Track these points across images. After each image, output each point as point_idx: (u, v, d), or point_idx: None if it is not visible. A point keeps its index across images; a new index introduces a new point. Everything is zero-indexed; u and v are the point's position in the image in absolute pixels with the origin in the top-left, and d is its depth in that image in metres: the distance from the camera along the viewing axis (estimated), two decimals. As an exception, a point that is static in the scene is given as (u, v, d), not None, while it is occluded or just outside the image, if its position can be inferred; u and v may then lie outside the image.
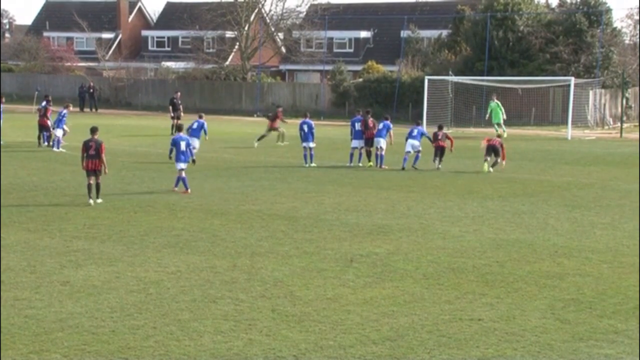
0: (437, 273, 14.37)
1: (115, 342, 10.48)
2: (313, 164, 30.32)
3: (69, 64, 77.79)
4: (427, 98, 50.83)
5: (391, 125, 31.83)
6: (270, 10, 75.40)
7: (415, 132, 31.50)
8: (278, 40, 77.86)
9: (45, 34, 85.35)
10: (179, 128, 25.11)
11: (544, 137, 46.93)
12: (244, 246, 16.39)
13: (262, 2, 72.65)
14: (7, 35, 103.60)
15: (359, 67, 67.21)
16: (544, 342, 10.74)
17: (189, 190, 23.19)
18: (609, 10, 57.86)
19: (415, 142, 31.17)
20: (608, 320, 11.72)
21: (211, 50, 74.13)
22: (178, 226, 18.33)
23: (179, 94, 46.37)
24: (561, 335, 11.03)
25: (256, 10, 72.78)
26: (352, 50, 75.32)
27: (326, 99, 62.20)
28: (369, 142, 31.21)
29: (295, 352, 10.26)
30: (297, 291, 13.07)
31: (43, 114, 35.37)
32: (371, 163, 30.96)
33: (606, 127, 53.08)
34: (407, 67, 61.90)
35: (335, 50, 74.03)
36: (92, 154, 21.16)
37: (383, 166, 30.60)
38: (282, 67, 77.41)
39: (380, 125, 31.45)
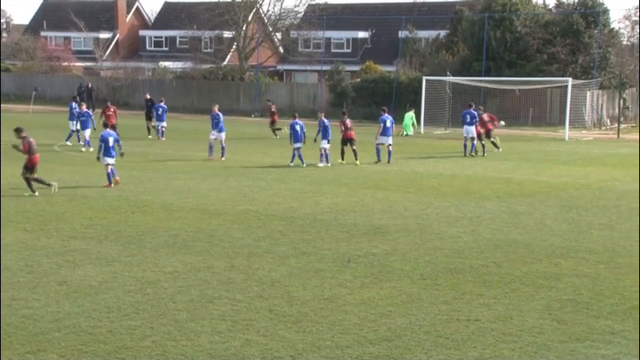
0: (434, 273, 14.38)
1: (113, 342, 10.47)
2: (304, 165, 30.26)
3: (66, 63, 77.73)
4: (425, 98, 50.86)
5: (476, 114, 34.16)
6: (268, 10, 75.48)
7: (469, 118, 33.13)
8: (276, 40, 77.87)
9: (43, 33, 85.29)
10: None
11: (542, 137, 46.96)
12: (241, 246, 16.39)
13: (260, 2, 72.66)
14: (4, 34, 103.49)
15: (357, 68, 67.21)
16: (541, 343, 10.75)
17: (118, 178, 24.45)
18: (606, 11, 57.90)
19: (472, 128, 32.49)
20: (605, 320, 11.73)
21: (209, 50, 74.12)
22: (175, 226, 18.32)
23: (148, 95, 46.97)
24: (558, 336, 11.04)
25: (254, 10, 72.78)
26: (350, 51, 75.34)
27: (324, 99, 62.17)
28: (345, 141, 31.71)
29: (293, 353, 10.26)
30: (295, 291, 13.07)
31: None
32: (358, 162, 31.21)
33: (603, 128, 53.12)
34: (405, 67, 61.92)
35: (333, 50, 74.06)
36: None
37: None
38: (280, 67, 77.41)
39: (468, 118, 34.03)
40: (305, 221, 19.25)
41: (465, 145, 34.91)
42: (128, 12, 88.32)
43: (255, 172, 28.81)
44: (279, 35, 77.06)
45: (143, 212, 20.13)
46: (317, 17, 70.10)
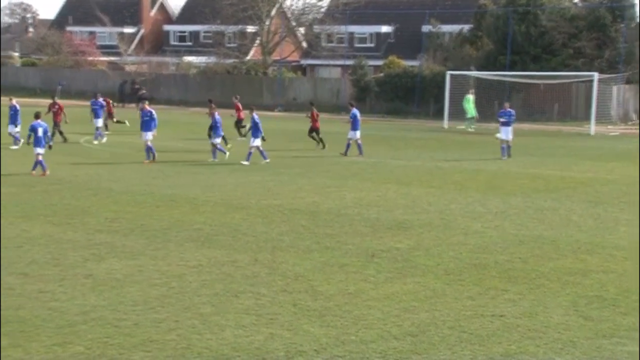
0: (458, 269, 14.34)
1: (138, 335, 10.53)
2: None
3: (91, 58, 78.12)
4: (449, 93, 50.69)
5: (513, 113, 32.72)
6: (291, 5, 75.44)
7: (505, 118, 32.12)
8: (299, 35, 77.86)
9: (68, 28, 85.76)
10: (37, 115, 26.58)
11: (567, 132, 46.69)
12: (265, 240, 16.42)
13: (284, -3, 72.71)
14: (30, 29, 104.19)
15: (380, 62, 67.06)
16: (566, 339, 10.70)
17: (48, 172, 24.88)
18: (633, 5, 57.43)
19: (509, 129, 31.77)
20: (631, 317, 11.65)
21: (232, 45, 74.23)
22: (199, 220, 18.38)
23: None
24: (584, 332, 10.98)
25: (277, 5, 72.81)
26: (373, 45, 75.16)
27: (347, 94, 62.10)
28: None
29: (317, 347, 10.27)
30: (318, 286, 13.08)
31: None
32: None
33: (630, 123, 52.72)
34: (428, 62, 61.73)
35: (356, 45, 73.91)
36: None
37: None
38: (303, 61, 77.38)
39: (505, 118, 32.25)
40: (329, 216, 19.25)
41: (502, 148, 32.24)
42: (152, 7, 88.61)
43: (279, 166, 28.84)
44: (302, 30, 77.01)
45: (168, 206, 20.21)
46: (340, 12, 70.02)
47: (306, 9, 73.93)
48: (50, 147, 26.41)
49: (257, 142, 29.40)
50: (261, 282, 13.22)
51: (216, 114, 30.30)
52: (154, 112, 29.69)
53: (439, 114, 52.66)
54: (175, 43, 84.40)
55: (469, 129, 46.26)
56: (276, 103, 63.62)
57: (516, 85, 53.28)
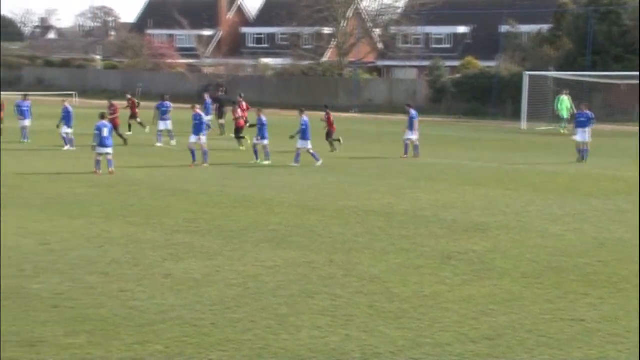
0: (536, 272, 14.13)
1: (216, 335, 10.63)
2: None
3: (170, 60, 79.34)
4: (527, 94, 50.00)
5: (591, 115, 31.56)
6: (367, 6, 75.39)
7: (583, 120, 30.89)
8: (375, 36, 77.77)
9: (148, 31, 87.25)
10: (102, 116, 27.12)
11: (649, 133, 45.59)
12: (341, 242, 16.42)
13: (360, -2, 72.73)
14: (111, 33, 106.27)
15: (456, 63, 66.55)
16: (648, 345, 10.44)
17: (114, 170, 25.52)
18: None
19: (586, 131, 30.76)
20: None
21: (308, 46, 74.54)
22: (275, 221, 18.49)
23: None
24: (667, 338, 10.70)
25: (353, 7, 72.85)
26: (450, 46, 74.64)
27: (423, 95, 61.82)
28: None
29: (393, 349, 10.23)
30: (394, 288, 13.03)
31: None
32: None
33: None
34: (506, 62, 61.01)
35: (432, 45, 73.50)
36: None
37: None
38: (379, 63, 77.27)
39: (583, 120, 31.27)
40: (404, 217, 19.17)
41: (579, 151, 31.34)
42: (229, 10, 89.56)
43: (354, 167, 28.85)
44: (378, 31, 76.91)
45: (244, 207, 20.38)
46: (417, 13, 69.70)
47: (382, 10, 73.82)
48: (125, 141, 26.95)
49: (308, 144, 29.02)
50: (337, 284, 13.22)
51: (263, 116, 30.10)
52: (203, 116, 29.46)
53: (516, 115, 52.01)
54: (252, 45, 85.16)
55: (562, 131, 45.17)
56: (352, 104, 63.65)
57: (596, 86, 52.27)
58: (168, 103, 36.26)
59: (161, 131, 35.36)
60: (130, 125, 39.54)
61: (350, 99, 64.89)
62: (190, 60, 79.90)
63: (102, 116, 27.14)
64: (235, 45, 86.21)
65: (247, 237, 16.79)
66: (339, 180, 25.39)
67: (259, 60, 75.85)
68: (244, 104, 37.44)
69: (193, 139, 28.53)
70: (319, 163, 28.82)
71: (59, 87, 69.80)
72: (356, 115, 60.22)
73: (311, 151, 29.09)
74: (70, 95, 62.23)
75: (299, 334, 10.72)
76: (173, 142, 35.19)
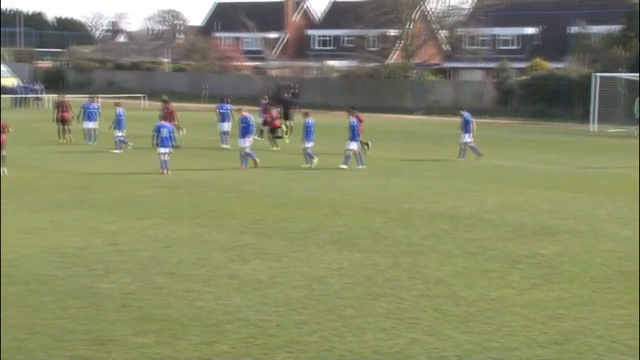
0: (607, 276, 13.88)
1: (281, 336, 10.68)
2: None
3: (236, 63, 79.98)
4: (596, 96, 49.17)
5: None
6: (434, 8, 75.03)
7: None
8: (441, 37, 77.36)
9: (215, 34, 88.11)
10: (166, 117, 27.84)
11: None
12: (406, 244, 16.36)
13: (426, 0, 72.39)
14: (179, 36, 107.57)
15: (524, 65, 65.77)
16: None
17: (169, 172, 25.73)
18: None
19: None
20: None
21: (374, 48, 74.46)
22: (340, 223, 18.49)
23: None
24: None
25: (419, 8, 72.58)
26: (517, 47, 73.84)
27: (489, 96, 61.25)
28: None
29: (459, 353, 10.15)
30: (460, 291, 12.93)
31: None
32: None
33: None
34: (575, 63, 60.09)
35: (499, 47, 72.79)
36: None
37: None
38: (446, 64, 76.80)
39: None
40: (470, 220, 19.01)
41: None
42: (295, 12, 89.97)
43: (419, 170, 28.71)
44: (444, 32, 76.49)
45: (309, 208, 20.43)
46: (483, 14, 69.09)
47: (448, 11, 73.39)
48: (177, 146, 27.15)
49: (354, 145, 28.74)
50: (402, 286, 13.17)
51: (309, 119, 30.04)
52: (251, 118, 29.31)
53: (585, 117, 51.18)
54: (318, 47, 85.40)
55: (636, 133, 44.05)
56: (417, 106, 63.39)
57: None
58: (228, 105, 36.45)
59: (224, 132, 35.55)
60: (63, 131, 38.95)
61: (415, 101, 64.61)
62: (256, 63, 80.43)
63: (164, 117, 27.58)
64: (300, 48, 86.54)
65: (312, 238, 16.83)
66: (404, 183, 25.29)
67: (324, 62, 75.99)
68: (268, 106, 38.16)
69: (242, 142, 28.38)
70: (345, 166, 28.46)
71: (128, 90, 70.84)
72: (421, 117, 59.94)
73: (356, 152, 28.99)
74: (139, 98, 63.21)
75: (364, 336, 10.70)
76: (228, 145, 35.16)
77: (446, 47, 77.05)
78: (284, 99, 45.70)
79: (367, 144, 32.52)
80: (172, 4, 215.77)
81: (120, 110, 33.71)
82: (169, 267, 14.17)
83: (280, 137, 35.37)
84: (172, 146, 27.07)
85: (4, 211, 19.00)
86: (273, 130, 35.18)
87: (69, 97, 41.05)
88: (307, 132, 29.23)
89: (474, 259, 15.09)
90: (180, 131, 38.46)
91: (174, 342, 10.37)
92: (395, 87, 67.01)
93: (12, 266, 14.01)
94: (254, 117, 30.54)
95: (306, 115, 30.07)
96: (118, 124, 33.30)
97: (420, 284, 13.32)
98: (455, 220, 19.02)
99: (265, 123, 36.38)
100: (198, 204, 20.80)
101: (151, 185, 23.75)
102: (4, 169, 25.52)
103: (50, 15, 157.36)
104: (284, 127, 37.89)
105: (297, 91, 64.17)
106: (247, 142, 28.31)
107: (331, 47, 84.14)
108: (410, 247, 16.08)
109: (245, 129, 28.33)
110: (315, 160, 28.88)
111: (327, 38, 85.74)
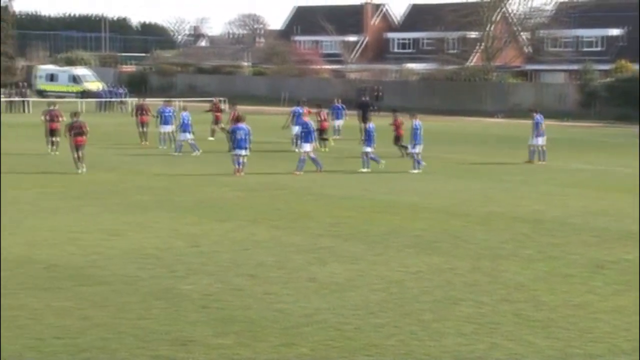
0: (694, 283, 13.50)
1: (359, 339, 10.67)
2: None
3: (315, 66, 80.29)
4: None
5: None
6: (515, 10, 74.13)
7: None
8: (522, 39, 76.37)
9: (295, 38, 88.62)
10: (239, 119, 27.83)
11: None
12: (486, 248, 16.19)
13: (507, 1, 71.56)
14: (259, 39, 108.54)
15: (608, 67, 64.46)
16: None
17: (242, 174, 26.32)
18: None
19: None
20: None
21: (453, 51, 73.94)
22: (419, 227, 18.40)
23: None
24: None
25: (500, 10, 71.79)
26: (601, 49, 72.42)
27: (572, 99, 60.20)
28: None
29: (540, 359, 10.00)
30: (542, 296, 12.73)
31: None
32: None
33: None
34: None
35: (583, 48, 71.50)
36: (80, 132, 26.88)
37: None
38: (526, 67, 75.78)
39: None
40: (552, 224, 18.70)
41: None
42: (375, 15, 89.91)
43: (500, 173, 28.38)
44: (525, 34, 75.51)
45: (388, 212, 20.38)
46: (566, 15, 67.96)
47: (530, 13, 72.40)
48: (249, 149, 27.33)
49: (418, 148, 28.36)
50: (482, 291, 13.04)
51: (371, 123, 29.64)
52: (311, 124, 29.08)
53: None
54: (397, 50, 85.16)
55: None
56: (498, 109, 62.69)
57: None
58: (301, 109, 36.43)
59: (297, 136, 35.30)
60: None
61: (496, 104, 63.89)
62: (335, 66, 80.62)
63: (239, 119, 27.83)
64: (379, 51, 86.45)
65: (391, 242, 16.78)
66: (484, 186, 25.03)
67: (403, 65, 75.76)
68: (307, 109, 37.91)
69: (303, 147, 28.17)
70: (417, 170, 28.26)
71: (209, 93, 71.68)
72: (501, 120, 59.23)
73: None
74: (221, 101, 63.89)
75: (443, 341, 10.62)
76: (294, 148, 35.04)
77: (528, 49, 76.04)
78: (361, 102, 45.73)
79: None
80: (252, 8, 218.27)
81: (185, 114, 34.01)
82: (248, 269, 14.29)
83: (327, 139, 35.53)
84: (248, 148, 27.36)
85: (87, 213, 19.45)
86: (321, 132, 35.38)
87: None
88: (415, 135, 28.51)
89: (556, 264, 14.85)
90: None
91: (254, 344, 10.45)
92: (475, 90, 66.40)
93: (96, 267, 14.32)
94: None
95: (414, 116, 29.10)
96: (184, 127, 33.56)
97: (501, 289, 13.16)
98: (537, 224, 18.74)
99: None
100: (277, 207, 20.93)
101: (231, 188, 24.00)
102: (83, 169, 26.65)
103: (135, 20, 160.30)
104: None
105: (380, 94, 64.02)
106: (309, 147, 28.17)
107: (410, 50, 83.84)
108: (490, 251, 15.90)
109: (306, 135, 28.25)
110: (383, 163, 28.83)
111: (407, 41, 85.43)
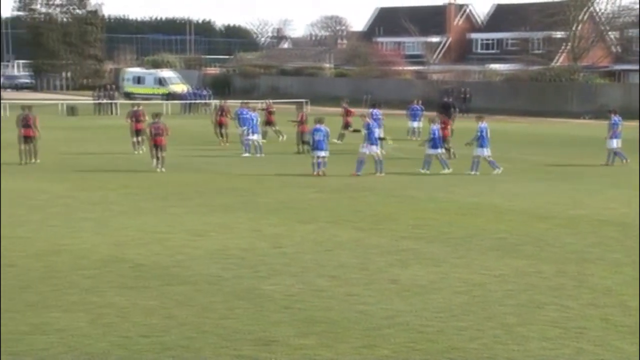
0: None
1: (442, 342, 10.60)
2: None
3: (397, 67, 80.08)
4: None
5: None
6: (603, 9, 72.67)
7: None
8: (610, 39, 74.83)
9: (377, 39, 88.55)
10: (318, 120, 28.07)
11: None
12: (572, 252, 15.90)
13: (594, 0, 70.23)
14: (342, 41, 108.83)
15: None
16: None
17: (323, 173, 26.81)
18: None
19: None
20: None
21: (538, 51, 72.87)
22: (503, 229, 18.18)
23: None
24: None
25: (587, 9, 70.49)
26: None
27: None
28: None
29: (628, 366, 9.79)
30: (630, 301, 12.45)
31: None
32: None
33: None
34: None
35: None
36: (160, 132, 27.78)
37: None
38: (614, 67, 74.20)
39: None
40: (641, 228, 18.27)
41: None
42: (458, 16, 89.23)
43: (585, 175, 27.86)
44: (613, 34, 73.97)
45: (471, 214, 20.20)
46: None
47: (619, 12, 70.90)
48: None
49: (486, 151, 27.87)
50: (567, 295, 12.82)
51: (435, 125, 29.06)
52: (374, 124, 28.55)
53: None
54: (480, 51, 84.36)
55: None
56: (584, 110, 61.54)
57: None
58: (379, 111, 36.28)
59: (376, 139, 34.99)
60: (265, 133, 38.53)
61: (582, 105, 62.73)
62: (417, 67, 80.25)
63: (319, 121, 27.94)
64: (462, 51, 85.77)
65: (474, 244, 16.63)
66: (570, 188, 24.60)
67: (486, 66, 74.98)
68: (350, 109, 38.34)
69: (365, 149, 27.73)
70: (498, 170, 27.82)
71: (291, 95, 72.27)
72: (588, 121, 58.10)
73: (489, 159, 28.18)
74: (304, 103, 64.26)
75: (527, 345, 10.48)
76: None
77: (616, 49, 74.44)
78: (443, 103, 45.48)
79: (449, 149, 31.79)
80: (335, 10, 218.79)
81: (254, 115, 34.26)
82: (330, 271, 14.33)
83: (384, 139, 35.41)
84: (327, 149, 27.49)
85: (173, 213, 19.78)
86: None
87: (230, 103, 42.26)
88: (481, 138, 28.02)
89: (644, 269, 14.50)
90: (280, 137, 38.83)
91: (335, 345, 10.48)
92: (561, 91, 65.30)
93: (181, 267, 14.56)
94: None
95: (480, 119, 28.61)
96: (252, 128, 33.75)
97: (587, 293, 12.92)
98: (625, 227, 18.34)
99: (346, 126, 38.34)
100: (359, 208, 20.94)
101: (314, 190, 24.10)
102: (161, 168, 27.62)
103: (219, 23, 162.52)
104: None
105: (468, 95, 63.42)
106: (373, 149, 27.69)
107: (494, 51, 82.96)
108: (576, 255, 15.62)
109: (369, 136, 28.04)
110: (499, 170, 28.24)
111: (490, 41, 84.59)
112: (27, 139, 29.49)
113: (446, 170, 28.14)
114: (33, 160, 29.48)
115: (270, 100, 41.30)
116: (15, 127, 30.11)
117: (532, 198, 22.74)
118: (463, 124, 41.16)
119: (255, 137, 33.60)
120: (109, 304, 12.12)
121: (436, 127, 28.78)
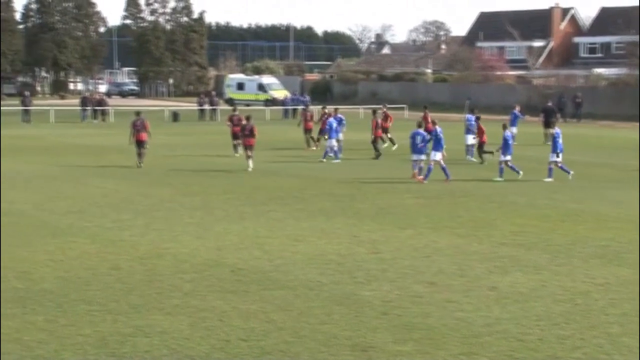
0: None
1: (543, 351, 10.43)
2: None
3: (499, 72, 79.07)
4: None
5: None
6: None
7: None
8: None
9: (478, 44, 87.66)
10: (419, 125, 28.14)
11: None
12: (680, 261, 15.42)
13: None
14: (442, 46, 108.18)
15: None
16: None
17: (420, 178, 26.70)
18: None
19: None
20: None
21: (647, 55, 70.85)
22: (606, 237, 17.77)
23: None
24: None
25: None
26: None
27: None
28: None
29: None
30: None
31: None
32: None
33: None
34: None
35: None
36: (247, 134, 29.90)
37: None
38: None
39: None
40: None
41: None
42: (563, 20, 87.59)
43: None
44: None
45: (573, 221, 19.80)
46: None
47: None
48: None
49: (507, 157, 27.50)
50: (674, 305, 12.43)
51: (508, 132, 28.29)
52: (441, 131, 28.17)
53: None
54: (585, 55, 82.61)
55: None
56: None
57: None
58: (473, 116, 35.59)
59: (468, 146, 34.39)
60: (311, 139, 38.24)
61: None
62: (520, 72, 79.07)
63: (419, 125, 27.97)
64: (566, 56, 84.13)
65: (575, 252, 16.30)
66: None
67: (591, 70, 73.33)
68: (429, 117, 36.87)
69: (432, 155, 27.36)
70: (500, 179, 27.17)
71: (390, 100, 72.11)
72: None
73: (510, 164, 27.63)
74: (402, 108, 64.12)
75: (632, 356, 10.22)
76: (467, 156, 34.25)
77: None
78: (545, 107, 44.77)
79: (492, 152, 30.95)
80: (436, 15, 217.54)
81: (330, 120, 34.48)
82: (428, 277, 14.27)
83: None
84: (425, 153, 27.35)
85: (273, 218, 20.00)
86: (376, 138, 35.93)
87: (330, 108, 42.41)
88: (555, 144, 27.43)
89: None
90: (392, 145, 38.48)
91: (433, 352, 10.43)
92: (669, 95, 63.31)
93: (280, 271, 14.70)
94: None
95: (505, 127, 28.66)
96: (330, 133, 33.90)
97: (691, 304, 12.50)
98: None
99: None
100: (459, 214, 20.77)
101: (412, 195, 24.02)
102: (250, 167, 29.35)
103: (320, 29, 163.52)
104: (384, 136, 37.20)
105: (580, 100, 62.15)
106: (438, 156, 27.26)
107: (599, 55, 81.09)
108: (684, 264, 15.13)
109: (436, 142, 27.55)
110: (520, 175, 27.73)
111: (596, 45, 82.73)
112: (140, 142, 30.64)
113: (499, 179, 27.43)
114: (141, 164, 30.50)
115: (326, 108, 40.79)
116: (128, 133, 31.31)
117: (637, 205, 22.11)
118: (574, 130, 40.25)
119: (334, 142, 33.78)
120: (209, 308, 12.34)
121: (509, 133, 28.39)
